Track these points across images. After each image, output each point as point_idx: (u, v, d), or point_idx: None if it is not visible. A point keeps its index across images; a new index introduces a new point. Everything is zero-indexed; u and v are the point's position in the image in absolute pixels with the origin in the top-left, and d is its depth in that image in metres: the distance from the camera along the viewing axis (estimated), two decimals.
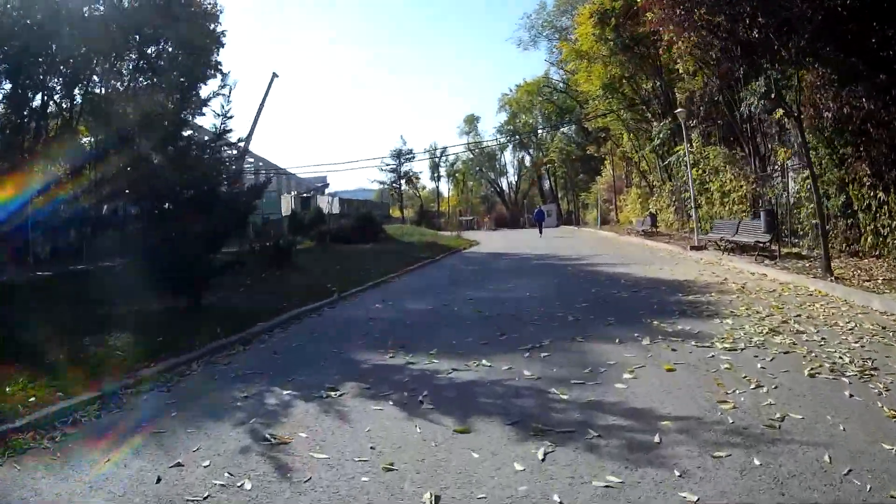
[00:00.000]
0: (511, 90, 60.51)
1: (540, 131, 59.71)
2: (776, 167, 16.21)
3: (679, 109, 17.83)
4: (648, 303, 7.91)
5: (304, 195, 48.34)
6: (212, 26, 23.70)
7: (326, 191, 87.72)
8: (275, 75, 68.60)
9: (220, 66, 23.92)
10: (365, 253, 19.07)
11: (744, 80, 14.85)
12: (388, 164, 60.69)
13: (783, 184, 14.84)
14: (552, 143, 47.80)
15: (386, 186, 61.38)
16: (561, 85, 50.62)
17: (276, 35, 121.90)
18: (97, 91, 21.21)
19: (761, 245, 12.83)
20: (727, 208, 17.84)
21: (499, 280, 11.97)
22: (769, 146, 17.12)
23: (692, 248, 16.08)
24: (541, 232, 33.46)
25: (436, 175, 72.50)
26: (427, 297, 9.85)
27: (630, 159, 33.19)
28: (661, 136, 22.07)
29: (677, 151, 20.30)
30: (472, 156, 66.35)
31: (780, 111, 13.04)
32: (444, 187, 78.06)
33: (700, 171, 17.34)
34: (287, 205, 44.00)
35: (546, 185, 66.74)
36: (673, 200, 24.01)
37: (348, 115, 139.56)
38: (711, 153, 18.03)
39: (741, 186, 16.66)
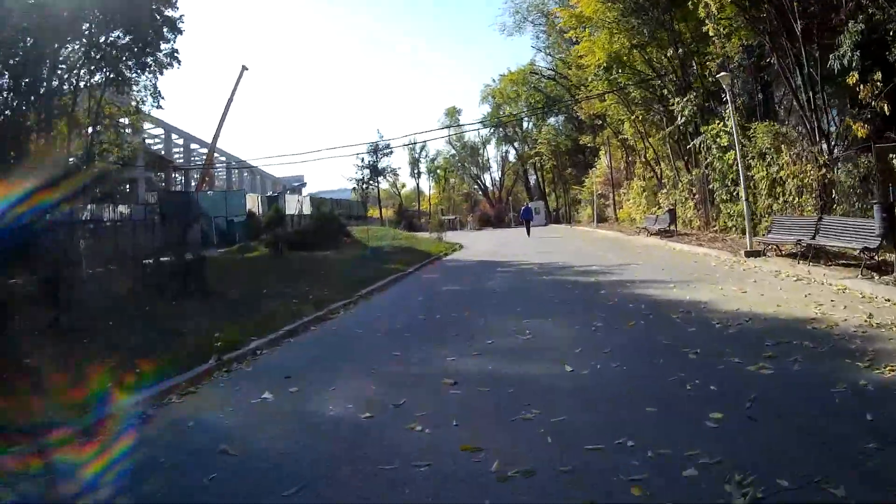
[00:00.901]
0: (495, 80, 56.53)
1: (526, 123, 55.87)
2: (846, 145, 12.42)
3: (722, 73, 13.87)
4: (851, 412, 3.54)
5: (270, 194, 43.58)
6: (167, 11, 20.95)
7: (304, 190, 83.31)
8: (244, 68, 63.68)
9: (176, 55, 21.67)
10: (319, 264, 14.86)
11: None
12: (364, 160, 56.26)
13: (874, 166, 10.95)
14: (540, 135, 43.84)
15: (362, 184, 56.86)
16: (549, 72, 46.74)
17: (248, 28, 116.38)
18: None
19: (869, 254, 8.93)
20: (780, 201, 13.98)
21: (500, 320, 7.46)
22: (834, 120, 13.32)
23: (747, 254, 12.16)
24: (528, 231, 29.55)
25: (416, 172, 68.31)
26: (367, 372, 5.34)
27: (632, 148, 29.36)
28: (685, 113, 18.13)
29: (710, 131, 16.38)
30: (453, 150, 62.17)
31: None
32: (425, 184, 73.94)
33: (738, 155, 13.45)
34: (253, 205, 39.56)
35: (532, 180, 62.94)
36: (693, 193, 20.16)
37: (325, 112, 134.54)
38: (759, 129, 14.13)
39: (804, 172, 12.77)
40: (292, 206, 40.70)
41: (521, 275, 12.77)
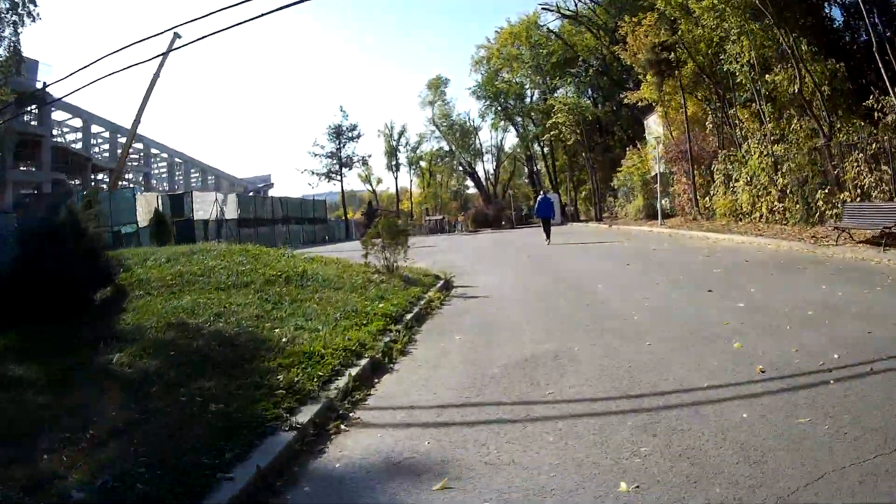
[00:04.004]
0: (489, 39, 44.26)
1: (530, 94, 43.55)
2: None
3: None
4: None
5: (171, 194, 31.33)
6: None
7: (271, 192, 70.38)
8: (176, 35, 50.98)
9: None
10: None
11: None
12: (323, 147, 43.63)
13: None
14: (557, 101, 31.52)
15: (322, 178, 44.21)
16: (562, 14, 34.57)
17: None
18: None
19: None
20: None
21: None
22: None
23: None
24: (548, 235, 17.41)
25: (394, 163, 55.70)
26: None
27: (717, 101, 17.25)
28: None
29: None
30: (438, 132, 49.62)
31: None
32: (406, 179, 61.49)
33: None
34: (147, 208, 26.97)
35: (537, 168, 50.61)
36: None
37: (286, 96, 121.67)
38: None
39: None
40: (207, 206, 28.16)
41: None
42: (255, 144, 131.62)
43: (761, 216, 15.80)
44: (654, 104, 23.70)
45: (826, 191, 13.37)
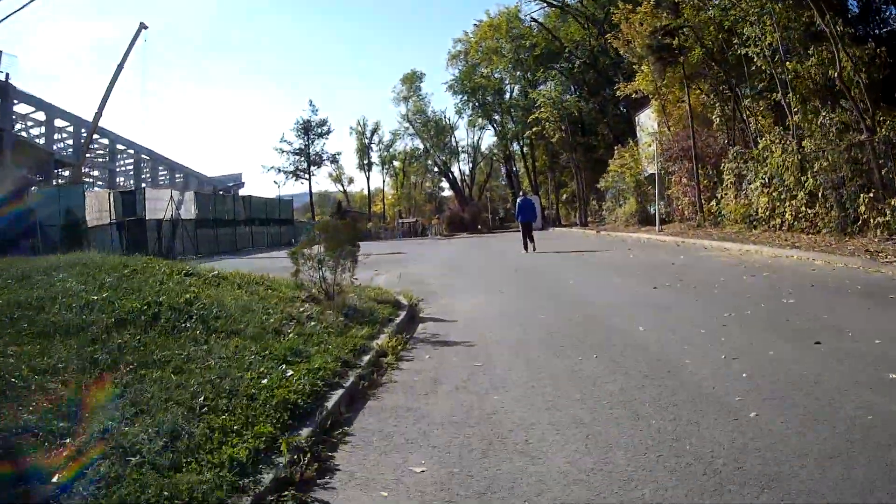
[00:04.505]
0: (467, 33, 41.76)
1: (509, 90, 41.18)
2: None
3: None
4: None
5: (123, 191, 27.91)
6: None
7: (242, 191, 66.52)
8: (143, 26, 47.08)
9: None
10: None
11: None
12: (290, 144, 40.43)
13: None
14: (540, 94, 29.05)
15: (289, 175, 40.98)
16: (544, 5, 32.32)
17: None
18: None
19: None
20: None
21: None
22: None
23: None
24: (529, 242, 15.25)
25: (366, 162, 52.77)
26: None
27: (767, 83, 15.05)
28: None
29: None
30: (412, 129, 46.87)
31: None
32: (378, 179, 58.47)
33: None
34: (98, 207, 23.83)
35: (516, 168, 48.36)
36: None
37: (258, 92, 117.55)
38: None
39: None
40: (163, 207, 24.92)
41: None
42: (226, 143, 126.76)
43: (782, 223, 13.57)
44: (649, 97, 21.48)
45: (870, 195, 11.16)
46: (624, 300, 6.84)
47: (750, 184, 14.84)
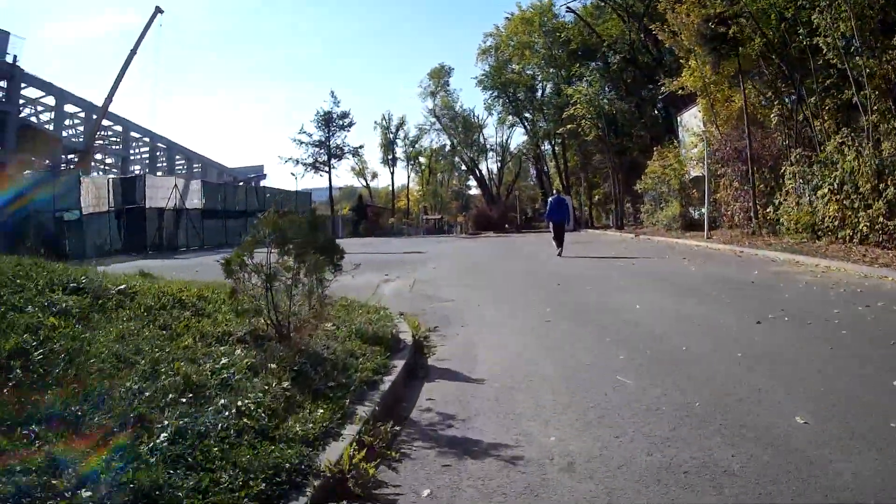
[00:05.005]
0: (498, 27, 40.57)
1: (541, 87, 39.84)
2: None
3: None
4: None
5: (123, 178, 27.34)
6: None
7: (263, 183, 66.67)
8: (158, 10, 47.17)
9: None
10: None
11: None
12: (311, 136, 39.85)
13: None
14: (576, 91, 27.70)
15: (309, 169, 40.45)
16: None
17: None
18: None
19: None
20: None
21: None
22: None
23: None
24: (560, 244, 14.35)
25: (390, 157, 52.01)
26: None
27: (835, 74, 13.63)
28: None
29: None
30: (438, 125, 45.88)
31: None
32: (403, 175, 57.67)
33: None
34: (95, 194, 23.37)
35: (547, 169, 46.99)
36: None
37: (284, 86, 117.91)
38: None
39: None
40: (166, 195, 24.37)
41: None
42: (251, 135, 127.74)
43: (854, 234, 12.19)
44: (695, 94, 20.09)
45: None
46: (729, 347, 4.73)
47: (816, 190, 13.45)
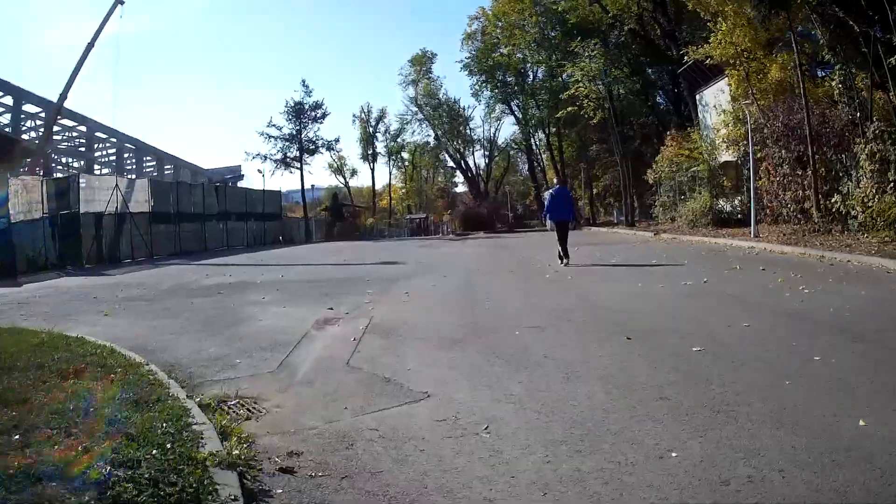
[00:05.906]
0: (484, 8, 37.28)
1: (532, 71, 36.65)
2: None
3: None
4: None
5: (56, 178, 23.48)
6: None
7: (241, 184, 62.64)
8: (118, 2, 43.59)
9: None
10: None
11: None
12: (280, 128, 36.17)
13: None
14: (578, 69, 24.27)
15: (278, 165, 36.78)
16: None
17: None
18: None
19: None
20: None
21: None
22: None
23: None
24: (564, 248, 10.54)
25: (370, 152, 48.48)
26: None
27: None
28: None
29: None
30: (421, 115, 42.51)
31: None
32: (385, 171, 54.17)
33: None
34: (27, 199, 19.67)
35: (541, 159, 43.88)
36: None
37: (259, 83, 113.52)
38: None
39: None
40: (104, 196, 20.63)
41: None
42: (227, 135, 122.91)
43: None
44: (720, 66, 17.05)
45: None
46: None
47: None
